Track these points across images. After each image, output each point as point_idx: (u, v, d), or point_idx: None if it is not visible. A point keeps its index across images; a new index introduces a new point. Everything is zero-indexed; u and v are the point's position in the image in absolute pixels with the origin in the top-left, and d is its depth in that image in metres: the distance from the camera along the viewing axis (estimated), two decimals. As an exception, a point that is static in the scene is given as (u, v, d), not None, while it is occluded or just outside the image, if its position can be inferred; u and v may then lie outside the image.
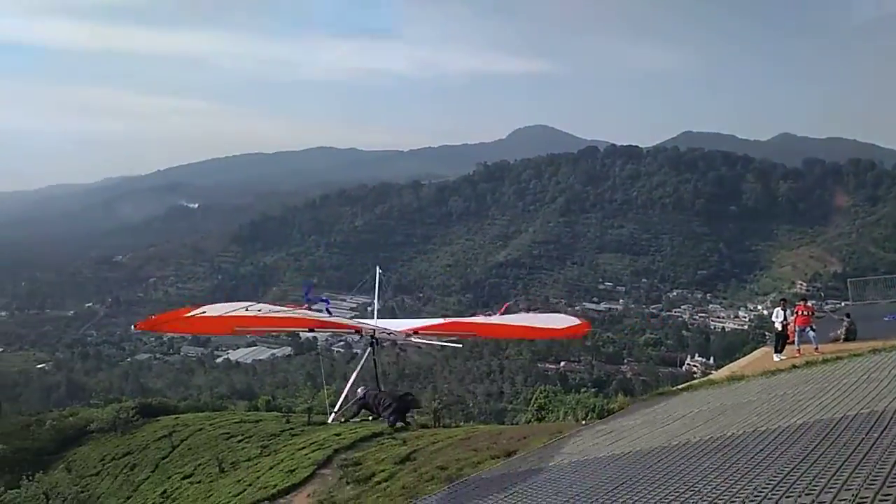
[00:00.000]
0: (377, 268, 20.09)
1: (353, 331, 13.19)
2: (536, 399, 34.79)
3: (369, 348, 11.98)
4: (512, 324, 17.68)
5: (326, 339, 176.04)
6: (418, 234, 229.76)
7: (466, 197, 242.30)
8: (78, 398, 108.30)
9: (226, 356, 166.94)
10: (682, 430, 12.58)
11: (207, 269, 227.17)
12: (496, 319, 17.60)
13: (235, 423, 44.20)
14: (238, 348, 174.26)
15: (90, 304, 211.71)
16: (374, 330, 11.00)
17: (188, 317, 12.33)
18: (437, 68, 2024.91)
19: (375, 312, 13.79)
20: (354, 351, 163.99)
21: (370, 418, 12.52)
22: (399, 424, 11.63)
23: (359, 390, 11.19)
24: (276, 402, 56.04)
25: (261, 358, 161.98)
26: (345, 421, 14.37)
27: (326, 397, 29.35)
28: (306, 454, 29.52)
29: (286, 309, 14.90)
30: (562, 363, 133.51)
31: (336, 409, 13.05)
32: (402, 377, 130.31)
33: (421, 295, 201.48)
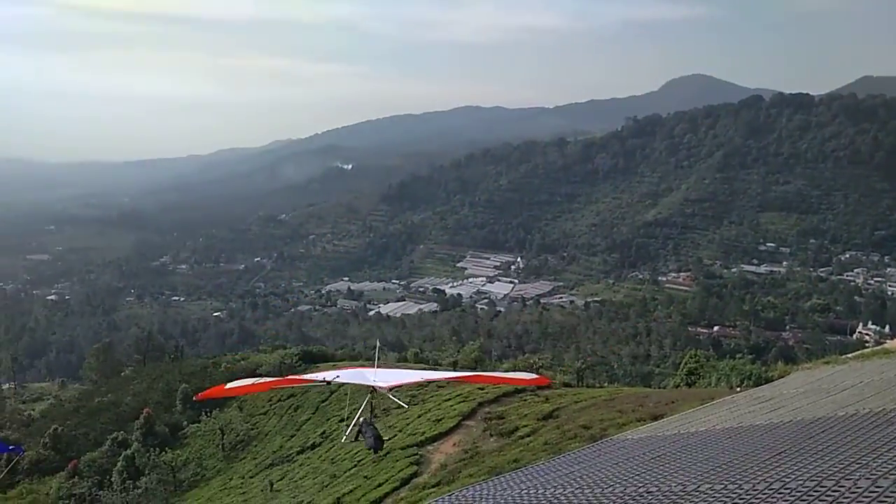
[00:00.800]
0: (377, 342, 23.00)
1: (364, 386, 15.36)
2: (686, 363, 33.58)
3: (369, 394, 14.10)
4: (489, 375, 21.17)
5: (471, 297, 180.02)
6: (563, 193, 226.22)
7: (614, 153, 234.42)
8: (248, 344, 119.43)
9: (377, 310, 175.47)
10: (851, 401, 11.60)
11: (360, 227, 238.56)
12: (465, 374, 21.57)
13: (386, 372, 46.71)
14: (388, 303, 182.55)
15: (258, 259, 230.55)
16: (374, 385, 13.10)
17: (227, 388, 17.19)
18: (587, 19, 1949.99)
19: (376, 362, 15.69)
20: (498, 308, 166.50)
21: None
22: (371, 449, 14.27)
23: (361, 419, 13.14)
24: (424, 355, 58.44)
25: (409, 312, 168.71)
26: (352, 441, 17.07)
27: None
28: (452, 405, 30.62)
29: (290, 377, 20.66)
30: (715, 328, 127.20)
31: (348, 432, 15.37)
32: (544, 336, 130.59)
33: (565, 255, 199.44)
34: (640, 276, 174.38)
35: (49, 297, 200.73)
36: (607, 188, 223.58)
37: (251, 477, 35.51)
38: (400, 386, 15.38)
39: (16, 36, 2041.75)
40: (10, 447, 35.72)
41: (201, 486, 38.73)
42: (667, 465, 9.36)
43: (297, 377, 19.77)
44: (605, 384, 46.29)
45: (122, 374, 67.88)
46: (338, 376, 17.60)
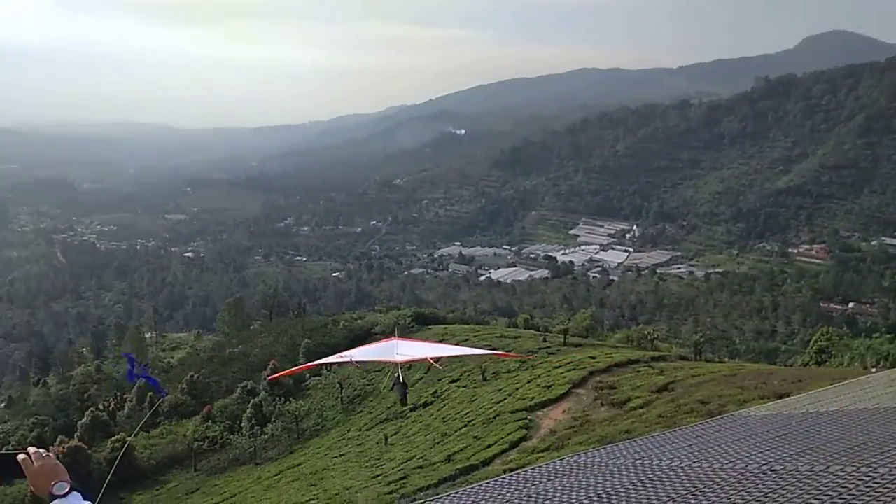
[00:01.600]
0: (395, 323, 26.31)
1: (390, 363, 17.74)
2: (817, 341, 31.78)
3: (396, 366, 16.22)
4: (494, 352, 29.04)
5: (583, 264, 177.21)
6: (684, 159, 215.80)
7: (742, 116, 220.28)
8: (364, 304, 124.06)
9: (488, 275, 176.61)
10: None
11: (472, 192, 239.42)
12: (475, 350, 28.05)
13: (496, 337, 47.26)
14: (499, 268, 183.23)
15: (374, 222, 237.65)
16: (399, 364, 15.05)
17: (287, 371, 26.08)
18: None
19: (396, 334, 17.59)
20: (611, 277, 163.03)
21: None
22: (403, 402, 16.86)
23: (398, 374, 14.99)
24: (534, 321, 58.45)
25: (520, 279, 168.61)
26: (389, 390, 19.84)
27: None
28: (562, 373, 30.60)
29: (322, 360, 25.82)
30: (850, 304, 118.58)
31: (385, 382, 17.55)
32: (659, 307, 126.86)
33: (685, 223, 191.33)
34: (768, 248, 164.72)
35: (186, 254, 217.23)
36: (734, 153, 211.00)
37: (367, 430, 37.23)
38: (414, 360, 18.55)
39: (155, 10, 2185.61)
40: (157, 382, 39.35)
41: (321, 435, 41.06)
42: (792, 444, 8.95)
43: (324, 360, 25.62)
44: (725, 359, 44.58)
45: (251, 327, 72.44)
46: (353, 359, 19.68)
